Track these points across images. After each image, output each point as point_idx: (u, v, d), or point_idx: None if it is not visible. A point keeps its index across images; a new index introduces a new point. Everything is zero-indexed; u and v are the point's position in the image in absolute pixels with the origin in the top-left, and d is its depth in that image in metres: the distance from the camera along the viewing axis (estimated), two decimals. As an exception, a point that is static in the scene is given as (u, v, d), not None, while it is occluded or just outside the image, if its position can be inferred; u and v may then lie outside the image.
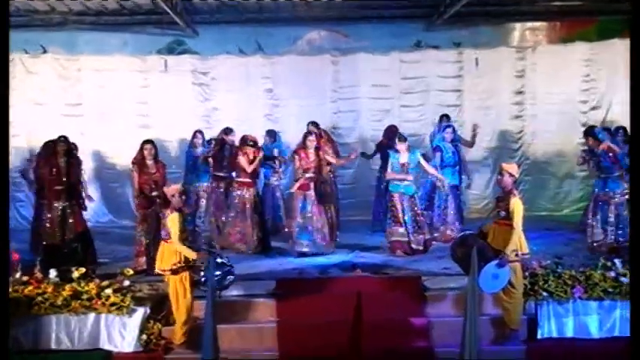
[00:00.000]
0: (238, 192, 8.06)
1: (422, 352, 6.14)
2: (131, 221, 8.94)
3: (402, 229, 7.74)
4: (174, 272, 5.91)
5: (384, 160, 8.52)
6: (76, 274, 6.32)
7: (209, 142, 8.96)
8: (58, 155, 7.52)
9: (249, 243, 7.97)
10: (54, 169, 7.48)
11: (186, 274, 5.95)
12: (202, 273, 5.81)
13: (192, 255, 5.85)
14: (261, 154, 8.17)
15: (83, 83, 10.74)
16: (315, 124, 8.80)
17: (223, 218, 8.23)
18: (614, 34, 10.47)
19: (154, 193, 7.12)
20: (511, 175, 6.02)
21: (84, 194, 7.93)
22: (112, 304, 6.15)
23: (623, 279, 6.21)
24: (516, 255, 5.87)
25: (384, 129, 9.33)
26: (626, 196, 7.45)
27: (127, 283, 6.33)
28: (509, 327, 6.11)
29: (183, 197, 6.06)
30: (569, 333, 6.30)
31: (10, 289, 5.88)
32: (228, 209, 8.18)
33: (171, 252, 5.95)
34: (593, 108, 10.86)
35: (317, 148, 7.91)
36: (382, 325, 6.14)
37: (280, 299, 6.48)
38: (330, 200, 8.32)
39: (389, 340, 6.09)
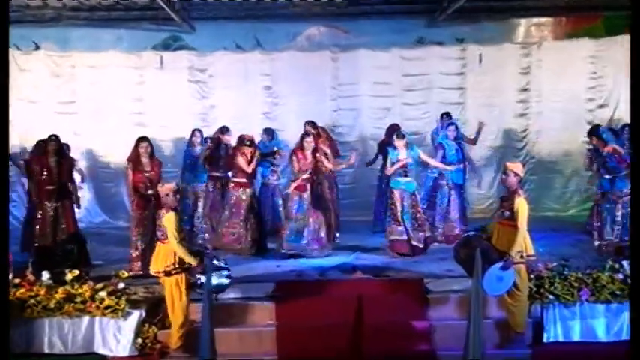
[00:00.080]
0: (234, 192, 8.06)
1: (424, 356, 6.12)
2: (126, 222, 8.93)
3: (400, 228, 7.75)
4: (168, 274, 5.88)
5: (386, 158, 8.51)
6: (69, 276, 6.30)
7: (205, 140, 8.95)
8: (49, 155, 7.51)
9: (244, 244, 7.97)
10: (45, 169, 7.46)
11: (182, 277, 5.93)
12: (198, 275, 5.78)
13: (191, 260, 5.82)
14: (257, 153, 8.15)
15: (77, 80, 10.74)
16: (312, 123, 8.78)
17: (219, 218, 8.21)
18: (622, 30, 10.43)
19: (150, 192, 7.10)
20: (516, 174, 6.00)
21: (75, 195, 7.90)
22: (107, 307, 6.14)
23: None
24: (521, 256, 5.86)
25: (387, 128, 9.32)
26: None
27: (121, 285, 6.31)
28: (515, 330, 6.10)
29: (178, 196, 6.03)
30: (576, 336, 6.30)
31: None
32: (223, 209, 8.17)
33: (167, 253, 5.93)
34: (600, 106, 10.86)
35: (314, 150, 7.89)
36: (383, 328, 6.13)
37: (279, 302, 6.46)
38: (327, 202, 8.32)
39: (390, 343, 6.08)
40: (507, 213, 5.90)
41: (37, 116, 10.47)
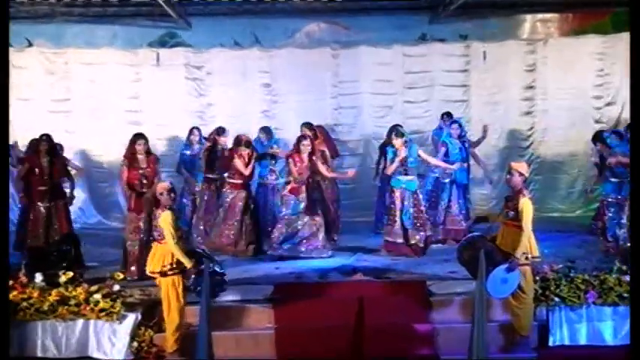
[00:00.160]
0: (230, 193, 8.08)
1: (427, 360, 6.13)
2: (121, 223, 8.93)
3: (396, 228, 7.78)
4: (164, 275, 5.88)
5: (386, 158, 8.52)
6: (63, 279, 6.30)
7: (202, 140, 8.97)
8: (41, 154, 7.52)
9: (240, 246, 8.00)
10: (37, 169, 7.47)
11: (179, 278, 5.93)
12: (193, 277, 5.78)
13: (186, 262, 5.82)
14: (255, 155, 8.17)
15: (71, 78, 10.75)
16: (309, 125, 8.79)
17: (213, 221, 8.22)
18: (630, 26, 10.46)
19: (145, 190, 7.09)
20: (521, 174, 5.99)
21: (71, 190, 7.91)
22: (102, 310, 6.13)
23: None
24: (526, 258, 5.85)
25: (389, 128, 9.29)
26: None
27: (117, 287, 6.31)
28: (519, 334, 6.09)
29: (172, 195, 6.02)
30: (583, 340, 6.29)
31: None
32: (217, 211, 8.20)
33: (164, 253, 5.92)
34: (608, 104, 10.86)
35: (311, 153, 7.90)
36: (385, 331, 6.12)
37: (278, 304, 6.45)
38: (326, 203, 8.35)
39: (392, 347, 6.08)
40: (512, 213, 5.90)
41: (30, 114, 10.48)
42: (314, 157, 7.93)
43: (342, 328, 6.17)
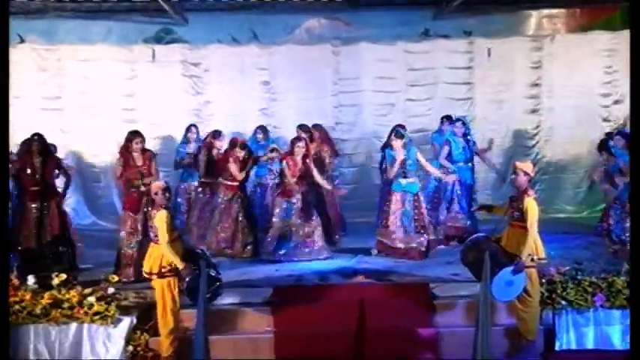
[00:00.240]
0: (225, 195, 8.11)
1: (430, 364, 6.13)
2: (115, 223, 8.92)
3: (390, 230, 7.80)
4: (161, 276, 5.88)
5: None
6: (56, 281, 6.29)
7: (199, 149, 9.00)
8: (33, 154, 7.52)
9: (236, 247, 8.02)
10: (28, 169, 7.48)
11: (175, 280, 5.92)
12: (186, 280, 5.78)
13: (179, 263, 5.81)
14: (251, 162, 8.21)
15: (64, 75, 10.75)
16: (305, 127, 8.79)
17: (208, 223, 8.24)
18: (638, 22, 10.45)
19: (142, 189, 7.08)
20: (526, 173, 6.00)
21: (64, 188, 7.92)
22: (96, 313, 6.12)
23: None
24: (532, 260, 5.85)
25: (391, 129, 9.27)
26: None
27: (111, 290, 6.29)
28: (525, 338, 6.09)
29: (167, 194, 6.02)
30: (590, 344, 6.29)
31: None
32: (212, 213, 8.22)
33: (160, 254, 5.92)
34: (616, 102, 10.87)
35: (305, 156, 7.91)
36: (387, 335, 6.13)
37: (277, 308, 6.45)
38: (324, 204, 8.37)
39: (394, 352, 6.09)
40: (517, 214, 5.90)
41: (21, 113, 10.46)
42: (307, 160, 7.94)
43: (343, 333, 6.18)
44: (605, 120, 10.81)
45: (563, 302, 6.23)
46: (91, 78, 10.69)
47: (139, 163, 7.26)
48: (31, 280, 6.36)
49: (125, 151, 7.31)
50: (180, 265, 5.77)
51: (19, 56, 10.62)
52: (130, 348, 6.14)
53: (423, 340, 6.23)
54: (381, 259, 7.84)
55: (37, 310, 6.13)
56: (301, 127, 8.81)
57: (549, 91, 10.92)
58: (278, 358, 6.13)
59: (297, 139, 8.10)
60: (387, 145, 8.75)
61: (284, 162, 7.96)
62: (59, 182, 7.91)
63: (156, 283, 5.94)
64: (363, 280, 6.98)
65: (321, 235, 7.93)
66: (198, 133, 9.21)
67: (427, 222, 7.89)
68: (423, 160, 8.00)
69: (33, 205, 7.52)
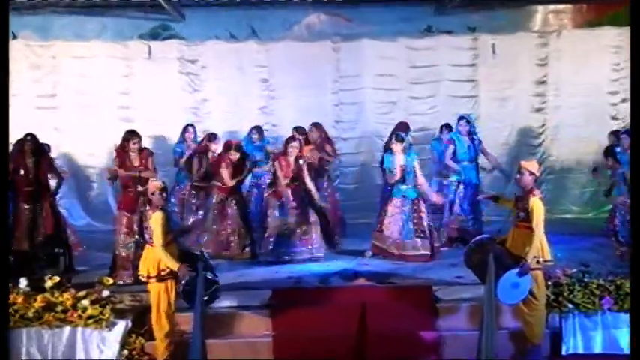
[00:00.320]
0: (218, 197, 8.14)
1: (433, 369, 6.12)
2: (111, 224, 8.91)
3: (385, 235, 7.82)
4: (161, 279, 5.87)
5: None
6: (49, 283, 6.28)
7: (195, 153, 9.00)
8: (26, 155, 7.52)
9: (233, 249, 8.05)
10: (22, 170, 7.47)
11: (172, 283, 5.91)
12: (183, 282, 5.77)
13: (174, 265, 5.80)
14: (246, 170, 8.25)
15: (58, 72, 10.76)
16: (300, 129, 8.78)
17: (203, 227, 8.25)
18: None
19: (140, 189, 7.07)
20: (531, 173, 5.99)
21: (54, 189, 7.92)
22: (90, 317, 6.11)
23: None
24: (538, 262, 5.84)
25: (394, 126, 9.25)
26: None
27: (106, 293, 6.29)
28: (531, 342, 6.08)
29: (164, 195, 6.01)
30: (597, 348, 6.28)
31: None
32: (206, 216, 8.24)
33: (156, 256, 5.90)
34: (624, 100, 10.82)
35: (297, 158, 7.92)
36: (389, 339, 6.12)
37: (276, 311, 6.44)
38: (315, 207, 8.36)
39: (396, 356, 6.08)
40: (522, 214, 5.89)
41: (14, 111, 10.42)
42: (300, 162, 7.95)
43: (344, 337, 6.17)
44: (614, 118, 10.80)
45: (570, 305, 6.21)
46: (86, 75, 10.71)
47: (136, 163, 7.25)
48: (23, 282, 6.34)
49: (122, 151, 7.30)
50: (175, 266, 5.76)
51: (12, 53, 10.57)
52: (125, 352, 6.13)
53: (425, 345, 6.22)
54: (383, 260, 7.82)
55: (30, 314, 6.11)
56: (297, 129, 8.79)
57: (555, 89, 10.91)
58: (277, 362, 6.14)
59: (292, 138, 8.13)
60: (387, 148, 8.76)
61: (276, 162, 7.99)
62: (52, 183, 7.92)
63: (152, 286, 5.93)
64: (364, 282, 6.97)
65: (319, 233, 7.94)
66: (195, 133, 9.21)
67: (427, 226, 7.86)
68: (418, 172, 7.88)
69: (26, 207, 7.52)
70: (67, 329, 6.16)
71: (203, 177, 8.53)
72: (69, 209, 10.09)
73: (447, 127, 9.18)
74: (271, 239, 7.82)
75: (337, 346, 6.13)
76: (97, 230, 10.12)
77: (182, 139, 9.25)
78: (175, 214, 8.82)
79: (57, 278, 6.35)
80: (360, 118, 10.98)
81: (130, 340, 6.17)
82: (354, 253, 8.17)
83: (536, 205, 5.79)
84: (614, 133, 8.95)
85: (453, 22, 10.97)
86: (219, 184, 8.15)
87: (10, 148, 7.96)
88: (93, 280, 6.56)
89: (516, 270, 5.65)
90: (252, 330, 6.38)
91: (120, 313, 6.30)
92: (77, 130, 10.68)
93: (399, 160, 7.81)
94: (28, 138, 7.62)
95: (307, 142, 8.63)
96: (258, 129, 9.42)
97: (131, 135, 7.31)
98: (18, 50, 10.63)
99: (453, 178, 8.53)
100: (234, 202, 8.13)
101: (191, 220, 8.63)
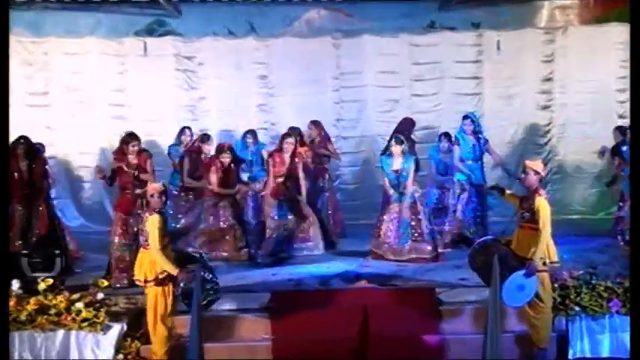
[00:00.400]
0: (209, 199, 8.17)
1: (436, 373, 6.12)
2: (106, 225, 8.92)
3: (381, 240, 7.86)
4: (159, 283, 5.87)
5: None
6: (42, 286, 6.28)
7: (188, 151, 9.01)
8: (19, 158, 7.54)
9: (229, 251, 8.08)
10: (15, 173, 7.48)
11: (170, 286, 5.91)
12: (181, 285, 5.77)
13: (172, 269, 5.80)
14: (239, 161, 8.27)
15: (51, 69, 10.75)
16: (296, 130, 8.79)
17: (198, 230, 8.25)
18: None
19: (138, 191, 7.07)
20: (536, 172, 6.00)
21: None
22: (84, 320, 6.11)
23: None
24: (544, 263, 5.84)
25: (399, 123, 9.20)
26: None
27: (100, 295, 6.29)
28: (537, 346, 6.09)
29: (164, 198, 6.01)
30: (605, 352, 6.28)
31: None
32: (198, 218, 8.28)
33: (152, 260, 5.91)
34: (632, 97, 10.85)
35: (292, 155, 7.96)
36: (391, 343, 6.13)
37: (275, 314, 6.45)
38: (314, 206, 8.38)
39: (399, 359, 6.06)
40: (527, 215, 5.89)
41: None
42: (296, 160, 7.97)
43: (345, 340, 6.18)
44: (621, 116, 10.76)
45: (577, 308, 6.22)
46: (80, 72, 10.70)
47: (134, 164, 7.25)
48: (15, 284, 6.34)
49: (120, 153, 7.30)
50: (174, 271, 5.76)
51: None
52: (121, 356, 6.13)
53: (428, 348, 6.22)
54: (385, 262, 7.83)
55: (22, 317, 6.11)
56: (291, 129, 8.78)
57: (562, 86, 10.91)
58: (276, 366, 6.15)
59: (288, 135, 8.17)
60: (386, 150, 8.76)
61: (270, 158, 8.03)
62: (46, 184, 7.93)
63: (150, 289, 5.93)
64: (366, 284, 6.98)
65: (318, 232, 7.96)
66: (192, 135, 9.21)
67: (425, 230, 7.87)
68: (411, 177, 7.88)
69: (19, 208, 7.53)
70: (61, 333, 6.16)
71: (194, 178, 8.54)
72: (62, 210, 10.09)
73: (446, 135, 9.15)
74: (271, 239, 7.84)
75: (338, 350, 6.14)
76: (91, 231, 10.11)
77: (177, 142, 9.25)
78: (170, 215, 8.84)
79: (50, 281, 6.35)
80: (361, 116, 10.98)
81: (125, 343, 6.18)
82: (354, 254, 8.18)
83: (543, 205, 5.79)
84: (619, 129, 8.93)
85: (457, 17, 10.96)
86: (210, 186, 8.17)
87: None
88: (87, 283, 6.57)
89: (522, 272, 5.66)
90: (251, 333, 6.38)
91: (115, 316, 6.30)
92: (70, 128, 10.68)
93: (396, 163, 7.83)
94: (22, 141, 7.63)
95: (302, 144, 8.64)
96: (252, 132, 9.40)
97: (130, 138, 7.32)
98: (9, 46, 10.63)
99: (459, 177, 8.50)
100: (227, 203, 8.15)
101: (182, 221, 8.65)
